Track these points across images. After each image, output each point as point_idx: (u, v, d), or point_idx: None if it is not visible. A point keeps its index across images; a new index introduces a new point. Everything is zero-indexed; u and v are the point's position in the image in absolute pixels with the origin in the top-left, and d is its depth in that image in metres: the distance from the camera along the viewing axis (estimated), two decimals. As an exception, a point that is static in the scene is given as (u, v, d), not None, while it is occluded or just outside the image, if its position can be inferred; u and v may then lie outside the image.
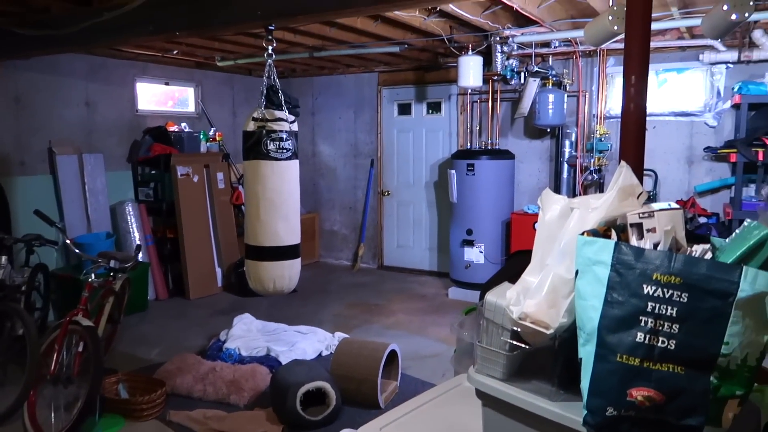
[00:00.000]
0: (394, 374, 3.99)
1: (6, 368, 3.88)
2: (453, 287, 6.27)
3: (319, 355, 4.53)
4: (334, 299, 6.18)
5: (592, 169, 5.80)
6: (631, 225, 1.34)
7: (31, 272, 4.48)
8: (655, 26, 4.47)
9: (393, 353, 3.91)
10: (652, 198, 5.64)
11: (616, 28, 2.91)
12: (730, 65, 5.32)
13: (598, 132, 5.79)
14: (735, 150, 5.00)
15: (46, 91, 5.57)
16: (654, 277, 1.17)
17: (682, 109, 5.62)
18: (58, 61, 5.55)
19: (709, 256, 1.24)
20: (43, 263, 4.78)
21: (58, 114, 5.69)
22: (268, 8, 3.34)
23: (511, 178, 6.18)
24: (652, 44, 5.29)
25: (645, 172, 5.66)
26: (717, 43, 5.15)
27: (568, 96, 5.86)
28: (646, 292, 1.17)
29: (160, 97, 6.83)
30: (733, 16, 2.80)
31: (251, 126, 3.41)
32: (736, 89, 5.11)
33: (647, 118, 5.52)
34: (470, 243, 5.97)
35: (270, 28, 3.47)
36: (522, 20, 4.90)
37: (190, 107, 7.13)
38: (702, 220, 5.35)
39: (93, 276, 3.74)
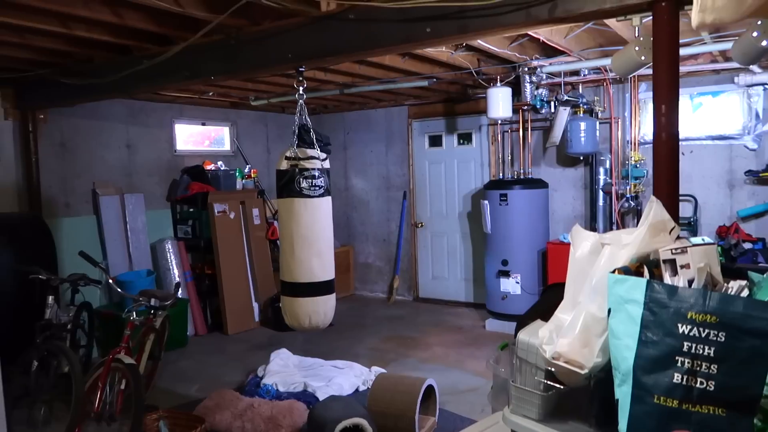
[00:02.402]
0: (432, 409, 3.93)
1: (52, 405, 3.98)
2: (490, 319, 6.19)
3: (356, 390, 4.51)
4: (370, 333, 6.16)
5: (628, 196, 5.70)
6: (664, 261, 1.32)
7: (76, 311, 4.61)
8: (686, 51, 4.44)
9: (430, 388, 3.86)
10: (693, 223, 5.51)
11: (643, 58, 2.89)
12: (768, 87, 5.21)
13: (632, 158, 5.71)
14: (777, 173, 4.86)
15: (89, 135, 5.82)
16: (689, 316, 1.15)
17: (720, 132, 5.51)
18: (99, 106, 5.80)
19: (746, 293, 1.21)
20: (87, 302, 4.92)
21: (101, 157, 5.92)
22: (298, 50, 3.44)
23: (546, 207, 6.12)
24: (685, 68, 5.24)
25: (685, 198, 5.54)
26: (753, 66, 5.05)
27: (600, 123, 5.82)
28: (681, 331, 1.15)
29: (197, 137, 7.05)
30: (764, 42, 2.76)
31: (284, 165, 3.49)
32: (775, 111, 4.99)
33: (683, 143, 5.39)
34: (506, 273, 5.90)
35: (300, 69, 3.57)
36: (550, 50, 4.92)
37: (226, 146, 7.33)
38: (747, 245, 5.18)
39: (134, 314, 3.83)
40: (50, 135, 5.51)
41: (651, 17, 2.54)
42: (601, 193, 5.90)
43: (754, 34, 2.80)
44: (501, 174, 6.63)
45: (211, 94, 6.14)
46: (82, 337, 4.97)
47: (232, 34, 3.66)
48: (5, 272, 4.42)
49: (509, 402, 1.49)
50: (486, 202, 6.01)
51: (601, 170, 5.91)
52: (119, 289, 4.04)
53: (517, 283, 5.86)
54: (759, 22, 2.75)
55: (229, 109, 7.17)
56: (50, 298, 4.15)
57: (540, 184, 6.09)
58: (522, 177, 6.29)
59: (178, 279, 6.09)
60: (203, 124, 7.01)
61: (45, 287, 4.17)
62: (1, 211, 5.11)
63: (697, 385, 1.12)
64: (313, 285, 3.54)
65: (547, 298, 2.76)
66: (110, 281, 4.09)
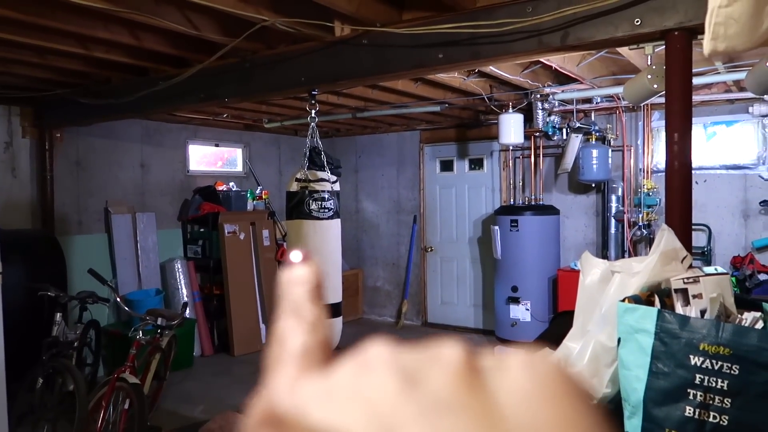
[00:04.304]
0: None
1: (56, 424, 3.95)
2: (499, 346, 6.10)
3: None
4: (377, 357, 6.09)
5: (641, 224, 5.65)
6: (676, 290, 1.29)
7: (84, 329, 4.62)
8: (700, 80, 4.44)
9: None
10: (707, 253, 5.44)
11: (655, 86, 2.89)
12: (782, 117, 5.18)
13: (645, 186, 5.68)
14: (793, 203, 4.80)
15: (104, 154, 5.89)
16: (701, 348, 1.12)
17: (734, 162, 5.47)
18: (115, 126, 5.88)
19: (760, 324, 1.18)
20: (95, 320, 4.92)
21: (115, 176, 5.98)
22: (312, 74, 3.48)
23: (557, 233, 6.08)
24: (699, 98, 5.23)
25: (699, 227, 5.48)
26: (767, 95, 5.03)
27: (612, 151, 5.80)
28: (693, 363, 1.12)
29: (210, 157, 7.12)
30: (779, 72, 2.75)
31: (294, 186, 3.51)
32: (789, 141, 4.96)
33: (697, 172, 5.34)
34: (516, 300, 5.84)
35: (313, 92, 3.60)
36: (562, 78, 4.94)
37: (239, 167, 7.38)
38: (762, 277, 5.10)
39: (140, 333, 3.82)
40: (66, 153, 5.58)
41: (664, 46, 2.54)
42: (613, 220, 5.86)
43: (767, 63, 2.80)
44: (512, 200, 6.60)
45: (225, 116, 6.21)
46: (89, 355, 4.96)
47: (247, 57, 3.71)
48: (15, 289, 4.44)
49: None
50: (496, 227, 5.98)
51: (614, 198, 5.87)
52: (126, 308, 4.04)
53: (527, 310, 5.79)
54: (773, 52, 2.75)
55: (243, 131, 7.24)
56: (58, 316, 4.16)
57: (551, 210, 6.06)
58: (533, 203, 6.27)
59: (186, 299, 6.09)
60: (217, 146, 7.08)
61: (53, 304, 4.18)
62: (15, 227, 5.16)
63: (710, 419, 1.09)
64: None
65: (557, 325, 2.72)
66: (118, 299, 4.10)
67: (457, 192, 7.19)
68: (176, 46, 3.62)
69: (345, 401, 0.22)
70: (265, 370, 0.25)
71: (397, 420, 0.21)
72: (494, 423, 0.21)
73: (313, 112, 3.68)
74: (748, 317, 1.21)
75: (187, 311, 4.96)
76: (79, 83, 4.59)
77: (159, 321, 4.00)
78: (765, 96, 5.02)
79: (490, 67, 4.26)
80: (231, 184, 6.94)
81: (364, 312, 8.01)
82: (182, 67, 3.89)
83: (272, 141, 7.67)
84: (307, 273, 0.26)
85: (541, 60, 4.07)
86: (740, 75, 4.26)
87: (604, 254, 5.83)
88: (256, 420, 0.23)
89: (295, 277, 0.26)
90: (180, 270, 6.21)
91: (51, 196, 5.39)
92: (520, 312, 5.82)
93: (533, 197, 6.35)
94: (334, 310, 3.59)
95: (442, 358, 0.24)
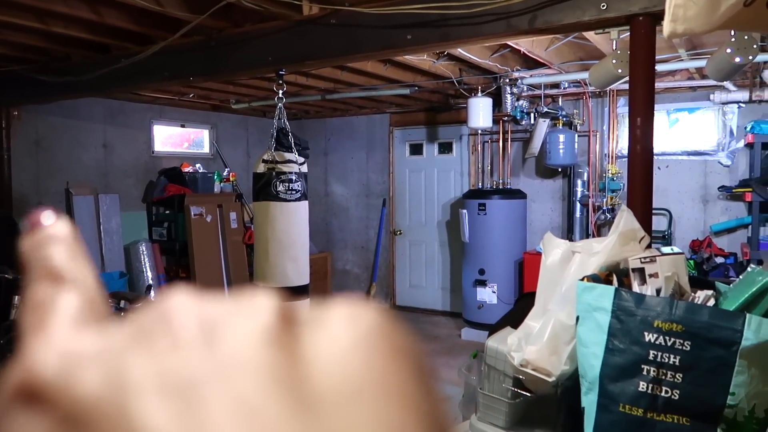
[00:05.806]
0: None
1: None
2: (466, 328, 6.19)
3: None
4: (346, 340, 6.11)
5: (605, 208, 5.77)
6: (633, 270, 1.32)
7: (44, 312, 4.52)
8: (663, 67, 4.52)
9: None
10: (667, 237, 5.58)
11: (620, 71, 2.94)
12: (742, 105, 5.31)
13: (610, 171, 5.78)
14: (750, 189, 4.95)
15: (65, 134, 5.72)
16: (655, 325, 1.15)
17: (695, 148, 5.60)
18: (77, 105, 5.70)
19: (711, 302, 1.22)
20: (56, 303, 4.82)
21: (77, 156, 5.82)
22: (279, 54, 3.43)
23: (524, 217, 6.16)
24: (662, 85, 5.32)
25: (660, 212, 5.61)
26: (728, 83, 5.16)
27: (578, 136, 5.88)
28: (647, 339, 1.15)
29: (175, 138, 6.97)
30: (737, 59, 2.81)
31: (261, 168, 3.47)
32: (748, 128, 5.10)
33: (660, 158, 5.47)
34: (483, 283, 5.91)
35: (280, 72, 3.55)
36: (531, 62, 4.97)
37: (205, 148, 7.26)
38: (719, 260, 5.26)
39: (103, 317, 3.76)
40: (24, 133, 5.40)
41: (629, 31, 2.58)
42: (578, 204, 5.96)
43: (728, 50, 2.86)
44: (480, 184, 6.66)
45: (191, 95, 6.08)
46: (50, 339, 4.86)
47: (212, 35, 3.63)
48: (-29, 271, 4.30)
49: (477, 410, 1.48)
50: (465, 211, 6.03)
51: (579, 182, 5.97)
52: (89, 291, 3.96)
53: (494, 292, 5.87)
54: (732, 39, 2.81)
55: (210, 111, 7.10)
56: (16, 298, 4.04)
57: (518, 194, 6.13)
58: (501, 187, 6.33)
59: (151, 281, 6.00)
60: (183, 126, 6.94)
61: (11, 287, 4.06)
62: (-30, 208, 4.99)
63: (662, 394, 1.12)
64: (287, 290, 3.51)
65: (521, 307, 2.76)
66: (80, 282, 4.01)
67: (426, 176, 7.20)
68: (139, 22, 3.51)
69: (129, 359, 0.19)
70: (23, 338, 0.21)
71: (192, 378, 0.18)
72: (297, 384, 0.19)
73: (281, 92, 3.63)
74: (701, 295, 1.25)
75: (152, 294, 4.88)
76: (38, 59, 4.42)
77: (122, 303, 3.93)
78: (725, 83, 5.14)
79: (460, 50, 4.26)
80: (197, 165, 6.83)
81: (332, 295, 8.00)
82: (145, 44, 3.78)
83: (240, 122, 7.55)
84: (63, 230, 0.24)
85: (510, 44, 4.09)
86: (702, 62, 4.35)
87: (569, 237, 5.93)
88: (10, 393, 0.19)
89: (52, 236, 0.23)
90: (145, 253, 6.10)
91: (8, 177, 5.22)
92: (487, 294, 5.90)
93: (501, 181, 6.41)
94: (302, 292, 3.58)
95: (251, 309, 0.21)
